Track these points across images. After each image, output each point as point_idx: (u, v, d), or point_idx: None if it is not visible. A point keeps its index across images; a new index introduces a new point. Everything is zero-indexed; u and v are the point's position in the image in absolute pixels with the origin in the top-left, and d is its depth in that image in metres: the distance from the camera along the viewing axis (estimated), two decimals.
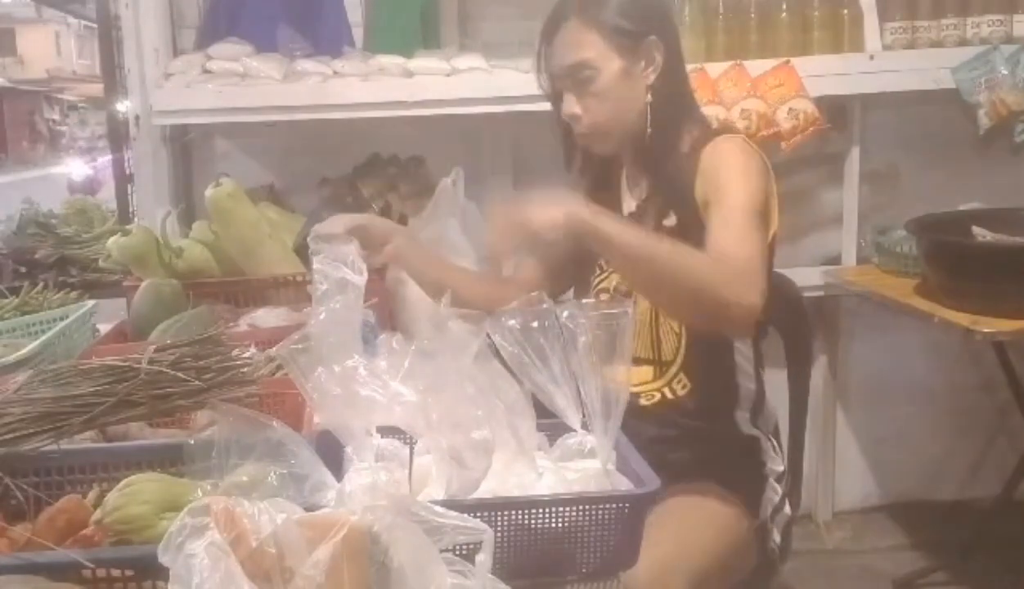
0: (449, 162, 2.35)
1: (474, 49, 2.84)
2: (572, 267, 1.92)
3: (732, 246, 1.60)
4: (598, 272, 1.86)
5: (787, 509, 1.84)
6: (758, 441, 1.82)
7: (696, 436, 1.77)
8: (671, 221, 1.76)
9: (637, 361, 1.78)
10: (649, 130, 1.76)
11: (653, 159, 1.78)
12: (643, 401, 1.78)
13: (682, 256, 1.55)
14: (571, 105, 1.76)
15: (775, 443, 1.86)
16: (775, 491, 1.80)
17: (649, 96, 1.76)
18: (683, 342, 1.77)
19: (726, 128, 1.97)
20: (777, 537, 1.81)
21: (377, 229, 1.81)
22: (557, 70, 1.78)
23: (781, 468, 1.83)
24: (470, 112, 2.72)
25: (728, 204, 1.65)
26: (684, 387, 1.78)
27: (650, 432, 1.74)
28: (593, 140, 1.80)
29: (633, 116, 1.77)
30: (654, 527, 1.61)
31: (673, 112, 1.78)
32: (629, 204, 1.87)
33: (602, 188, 1.89)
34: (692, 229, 1.68)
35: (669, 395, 1.79)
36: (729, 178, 1.68)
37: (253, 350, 1.60)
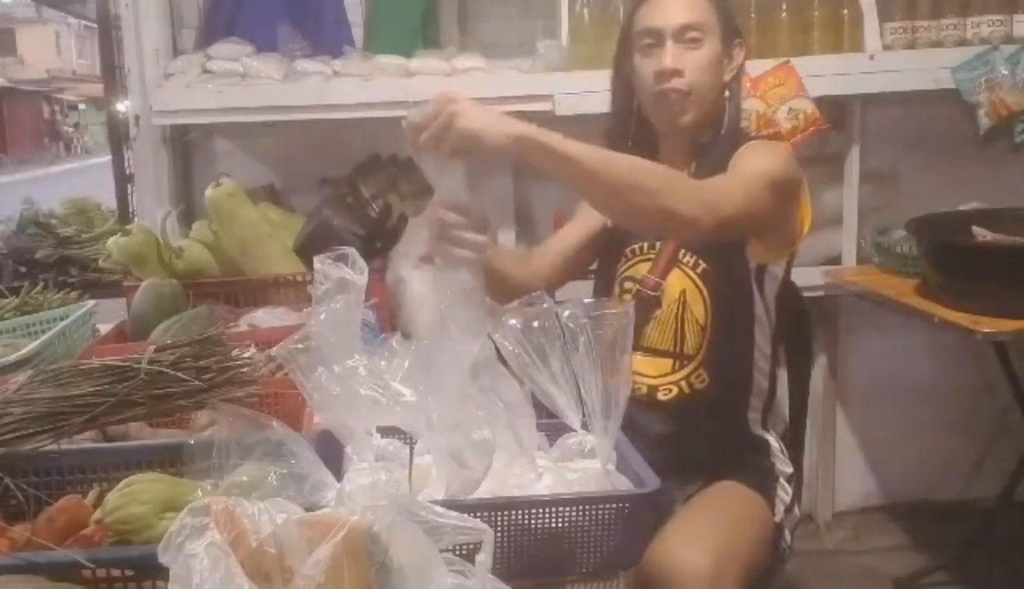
0: None
1: (474, 49, 2.84)
2: (588, 253, 1.94)
3: (719, 181, 1.62)
4: (623, 261, 1.86)
5: (797, 510, 1.85)
6: (767, 443, 1.83)
7: (709, 434, 1.77)
8: None
9: (657, 353, 1.80)
10: (727, 121, 1.79)
11: (708, 155, 1.78)
12: (660, 396, 1.79)
13: (635, 168, 1.49)
14: (674, 59, 1.75)
15: (783, 446, 1.86)
16: (786, 492, 1.81)
17: (727, 92, 1.80)
18: (707, 337, 1.77)
19: (772, 137, 2.00)
20: (788, 537, 1.82)
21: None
22: (665, 24, 1.76)
23: (790, 470, 1.84)
24: None
25: (736, 167, 1.69)
26: (703, 381, 1.78)
27: (664, 430, 1.74)
28: (684, 102, 1.77)
29: (712, 100, 1.79)
30: (703, 519, 1.64)
31: (737, 115, 1.83)
32: None
33: None
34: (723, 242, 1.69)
35: (687, 389, 1.79)
36: (748, 158, 1.71)
37: (253, 350, 1.60)
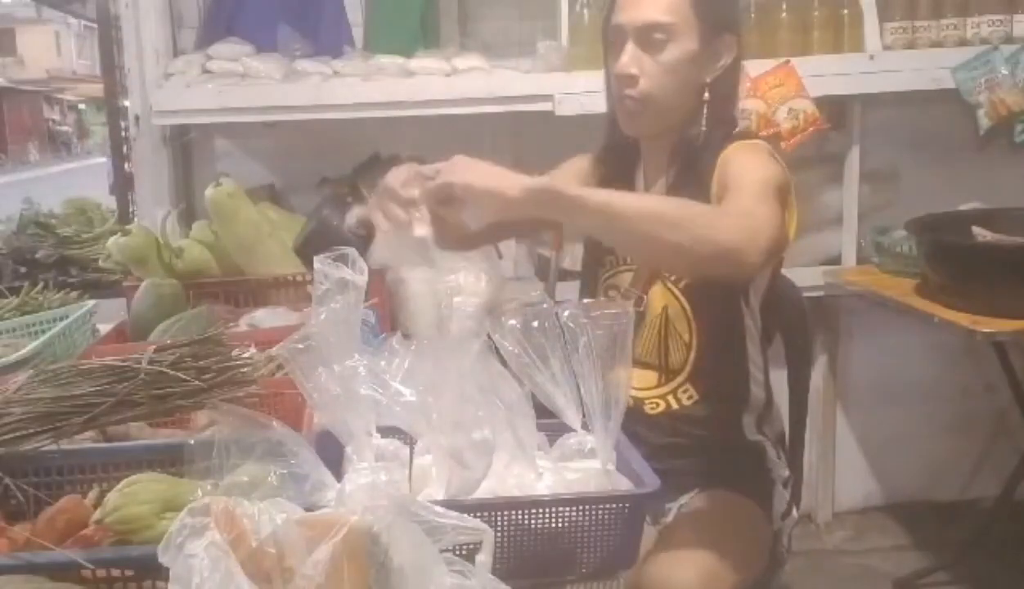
0: None
1: (474, 49, 2.84)
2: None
3: (741, 203, 1.50)
4: (608, 267, 1.81)
5: (795, 513, 1.83)
6: (764, 447, 1.80)
7: (702, 444, 1.75)
8: None
9: (642, 364, 1.75)
10: (703, 129, 1.68)
11: (688, 162, 1.69)
12: (648, 409, 1.76)
13: (668, 207, 1.39)
14: (630, 62, 1.62)
15: (780, 449, 1.85)
16: (783, 496, 1.79)
17: (707, 94, 1.68)
18: (692, 353, 1.72)
19: (749, 132, 1.89)
20: (786, 540, 1.80)
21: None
22: (628, 21, 1.63)
23: (787, 473, 1.82)
24: (470, 112, 2.72)
25: (742, 181, 1.57)
26: (690, 398, 1.75)
27: (656, 440, 1.73)
28: (639, 111, 1.66)
29: (682, 106, 1.67)
30: (692, 534, 1.60)
31: (721, 119, 1.71)
32: None
33: (617, 180, 1.80)
34: None
35: (674, 404, 1.76)
36: (744, 166, 1.61)
37: (253, 350, 1.60)
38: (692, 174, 1.70)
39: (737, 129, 1.78)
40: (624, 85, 1.65)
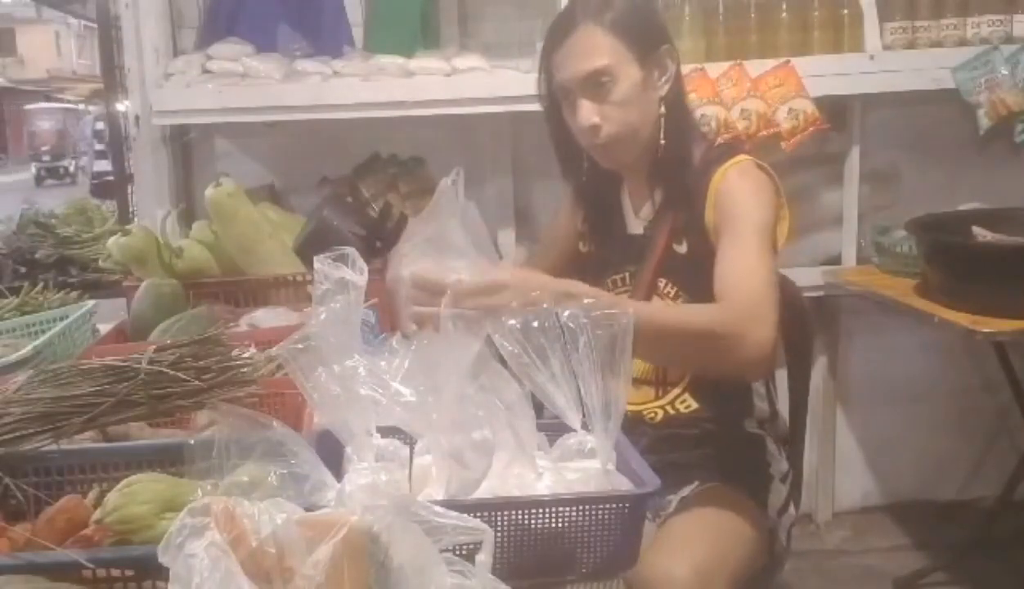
0: (449, 162, 2.35)
1: (474, 49, 2.84)
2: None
3: (742, 279, 1.55)
4: (608, 288, 1.81)
5: (792, 510, 1.84)
6: (764, 441, 1.81)
7: (702, 437, 1.76)
8: (682, 248, 1.73)
9: (639, 381, 1.77)
10: (663, 143, 1.71)
11: (666, 177, 1.74)
12: (647, 418, 1.78)
13: (686, 316, 1.50)
14: (589, 114, 1.68)
15: (780, 446, 1.85)
16: (781, 491, 1.80)
17: (662, 108, 1.72)
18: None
19: (731, 146, 1.92)
20: (783, 538, 1.81)
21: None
22: (570, 78, 1.69)
23: (786, 467, 1.83)
24: (470, 112, 2.72)
25: (739, 232, 1.62)
26: (688, 407, 1.77)
27: (656, 433, 1.74)
28: (611, 152, 1.73)
29: (648, 129, 1.72)
30: (688, 529, 1.62)
31: (683, 125, 1.75)
32: (634, 226, 1.83)
33: (603, 207, 1.86)
34: (703, 256, 1.66)
35: (672, 412, 1.77)
36: (741, 205, 1.64)
37: (253, 350, 1.59)
38: (679, 197, 1.73)
39: (720, 140, 1.80)
40: (589, 136, 1.70)
